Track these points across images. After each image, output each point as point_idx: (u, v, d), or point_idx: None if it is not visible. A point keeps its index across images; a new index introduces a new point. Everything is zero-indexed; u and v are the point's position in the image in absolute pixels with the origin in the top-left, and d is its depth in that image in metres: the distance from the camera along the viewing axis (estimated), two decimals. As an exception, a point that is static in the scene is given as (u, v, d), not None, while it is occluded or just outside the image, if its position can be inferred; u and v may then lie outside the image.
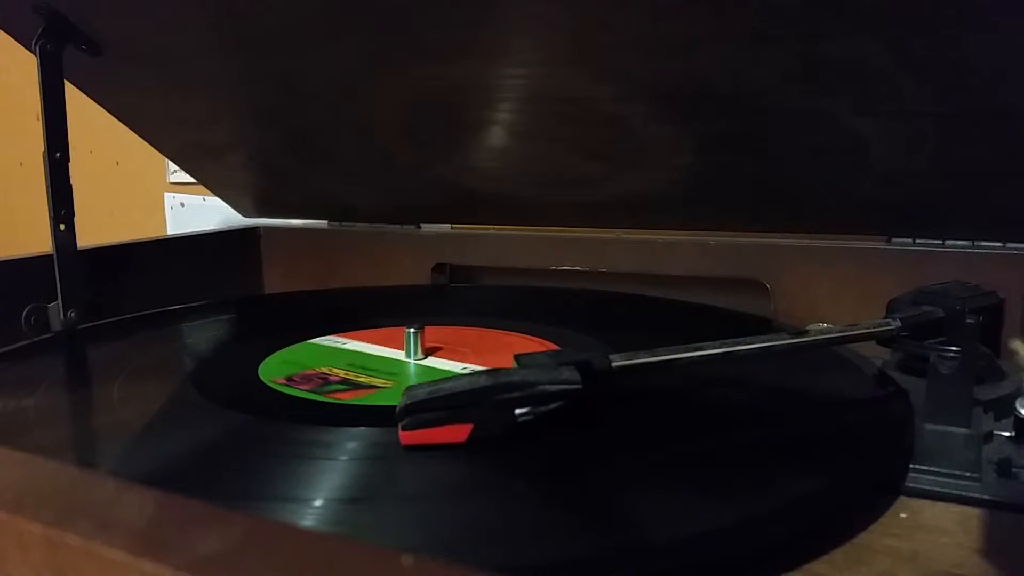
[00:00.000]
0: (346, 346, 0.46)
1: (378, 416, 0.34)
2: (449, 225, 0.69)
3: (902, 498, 0.29)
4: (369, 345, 0.46)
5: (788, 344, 0.33)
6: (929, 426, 0.30)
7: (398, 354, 0.44)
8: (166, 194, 1.03)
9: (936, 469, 0.29)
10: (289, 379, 0.39)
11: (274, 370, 0.41)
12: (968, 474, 0.29)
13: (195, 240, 0.69)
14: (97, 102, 0.60)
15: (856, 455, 0.30)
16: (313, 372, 0.40)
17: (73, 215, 0.53)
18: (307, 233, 0.73)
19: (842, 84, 0.41)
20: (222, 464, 0.30)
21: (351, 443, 0.31)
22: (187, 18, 0.49)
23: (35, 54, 0.50)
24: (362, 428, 0.32)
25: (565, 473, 0.29)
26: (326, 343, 0.46)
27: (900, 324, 0.34)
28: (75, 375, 0.46)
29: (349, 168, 0.63)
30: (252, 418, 0.35)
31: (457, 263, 0.68)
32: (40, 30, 0.50)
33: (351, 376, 0.40)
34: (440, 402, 0.29)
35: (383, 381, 0.39)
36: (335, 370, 0.41)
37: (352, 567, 0.14)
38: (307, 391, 0.37)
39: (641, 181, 0.54)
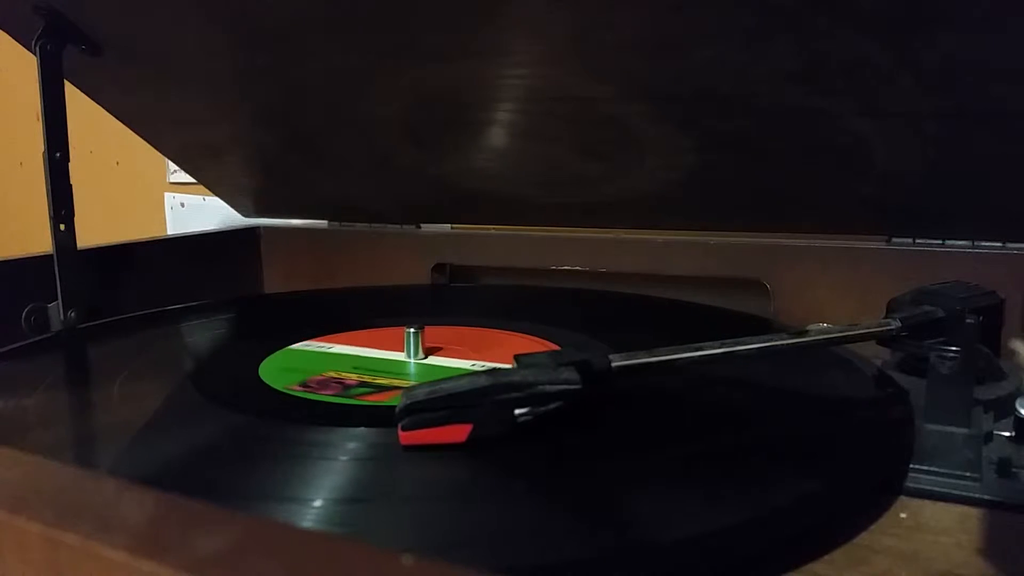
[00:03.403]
0: (332, 350, 0.45)
1: (377, 416, 0.34)
2: (449, 225, 0.69)
3: (902, 498, 0.29)
4: (361, 348, 0.46)
5: (788, 344, 0.33)
6: (929, 426, 0.30)
7: (394, 355, 0.44)
8: (166, 194, 1.03)
9: (936, 469, 0.29)
10: (304, 385, 0.39)
11: (277, 376, 0.40)
12: (968, 474, 0.29)
13: (195, 240, 0.69)
14: (97, 102, 0.60)
15: (856, 455, 0.30)
16: (325, 377, 0.40)
17: (73, 215, 0.53)
18: (307, 233, 0.73)
19: (842, 84, 0.41)
20: (222, 464, 0.30)
21: (351, 443, 0.31)
22: (187, 18, 0.49)
23: (35, 54, 0.50)
24: (362, 429, 0.32)
25: (564, 473, 0.29)
26: (312, 348, 0.46)
27: (900, 324, 0.34)
28: (75, 375, 0.46)
29: (349, 168, 0.63)
30: (252, 418, 0.35)
31: (457, 263, 0.68)
32: (40, 30, 0.50)
33: (366, 379, 0.40)
34: (440, 402, 0.29)
35: (403, 381, 0.39)
36: (344, 374, 0.40)
37: (352, 567, 0.14)
38: (331, 396, 0.37)
39: (641, 181, 0.54)
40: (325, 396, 0.37)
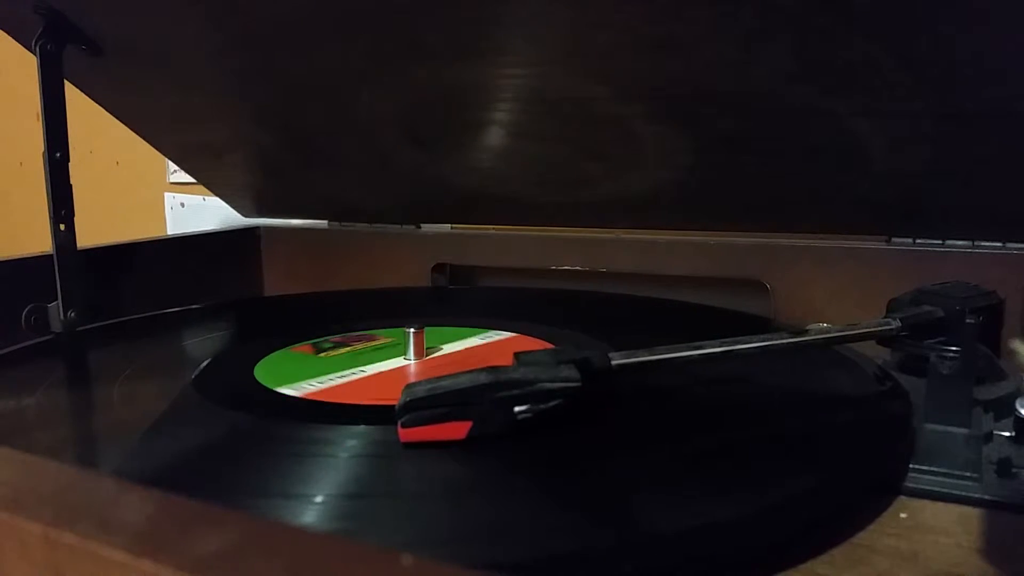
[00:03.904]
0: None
1: (378, 414, 0.34)
2: (449, 225, 0.69)
3: (902, 498, 0.29)
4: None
5: (788, 344, 0.33)
6: (929, 426, 0.30)
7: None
8: (166, 194, 1.03)
9: (936, 469, 0.29)
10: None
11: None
12: (968, 474, 0.29)
13: (195, 240, 0.69)
14: (97, 102, 0.60)
15: (856, 455, 0.30)
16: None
17: (73, 215, 0.53)
18: (307, 233, 0.73)
19: (842, 84, 0.41)
20: (222, 464, 0.30)
21: (351, 441, 0.31)
22: (187, 17, 0.49)
23: (35, 54, 0.50)
24: (362, 426, 0.32)
25: (564, 471, 0.29)
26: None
27: (900, 324, 0.34)
28: (75, 375, 0.46)
29: (349, 168, 0.63)
30: (251, 417, 0.35)
31: (457, 263, 0.68)
32: (40, 30, 0.50)
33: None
34: (440, 399, 0.29)
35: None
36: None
37: (352, 567, 0.14)
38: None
39: (641, 181, 0.54)
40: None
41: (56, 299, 0.52)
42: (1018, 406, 0.32)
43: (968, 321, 0.31)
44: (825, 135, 0.45)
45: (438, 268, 0.67)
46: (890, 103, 0.41)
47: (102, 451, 0.33)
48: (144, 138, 0.65)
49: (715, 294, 0.58)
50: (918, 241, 0.51)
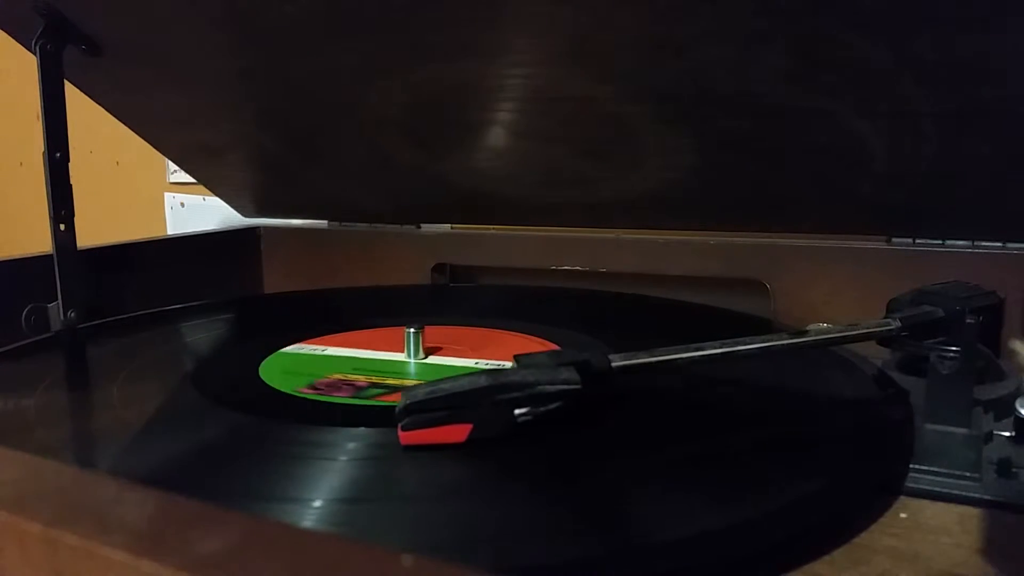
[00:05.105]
0: (327, 352, 0.45)
1: (377, 416, 0.34)
2: (449, 225, 0.69)
3: (902, 498, 0.29)
4: (355, 350, 0.45)
5: (788, 344, 0.33)
6: (929, 426, 0.30)
7: (392, 355, 0.44)
8: (166, 194, 1.03)
9: (936, 469, 0.29)
10: (313, 387, 0.38)
11: (277, 378, 0.40)
12: (968, 474, 0.29)
13: (195, 240, 0.69)
14: (97, 102, 0.60)
15: (856, 455, 0.30)
16: (334, 379, 0.39)
17: (73, 215, 0.53)
18: (307, 233, 0.73)
19: (842, 84, 0.41)
20: (222, 464, 0.30)
21: (351, 443, 0.31)
22: (187, 18, 0.49)
23: (35, 54, 0.50)
24: (362, 428, 0.32)
25: (564, 474, 0.29)
26: (306, 351, 0.45)
27: (900, 324, 0.34)
28: (75, 374, 0.46)
29: (349, 168, 0.63)
30: (252, 418, 0.35)
31: (457, 263, 0.68)
32: (40, 30, 0.50)
33: (375, 380, 0.39)
34: (439, 402, 0.29)
35: (411, 381, 0.39)
36: (351, 376, 0.40)
37: (352, 567, 0.14)
38: (345, 397, 0.37)
39: (641, 181, 0.54)
40: (338, 398, 0.37)
41: (56, 299, 0.52)
42: (1018, 406, 0.32)
43: (968, 321, 0.31)
44: (825, 135, 0.45)
45: (438, 268, 0.67)
46: (890, 103, 0.41)
47: (102, 450, 0.33)
48: (144, 138, 0.65)
49: (715, 294, 0.58)
50: (918, 241, 0.51)
